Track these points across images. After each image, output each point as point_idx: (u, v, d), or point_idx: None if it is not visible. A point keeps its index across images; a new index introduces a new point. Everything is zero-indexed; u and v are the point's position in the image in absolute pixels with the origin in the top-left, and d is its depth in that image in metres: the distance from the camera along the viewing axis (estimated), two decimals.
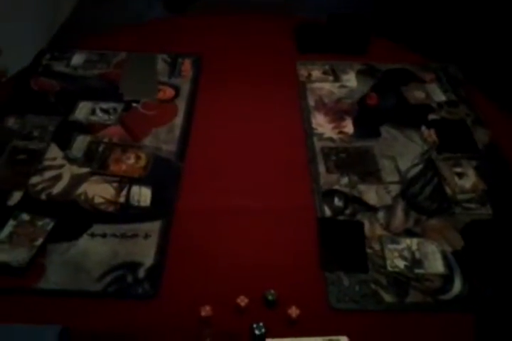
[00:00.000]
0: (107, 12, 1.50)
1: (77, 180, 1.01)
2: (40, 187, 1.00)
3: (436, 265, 0.89)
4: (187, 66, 1.34)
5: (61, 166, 1.04)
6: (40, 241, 0.89)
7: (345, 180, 1.04)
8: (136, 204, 0.98)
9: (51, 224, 0.92)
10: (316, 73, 1.33)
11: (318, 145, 1.12)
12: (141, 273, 0.87)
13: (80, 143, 1.09)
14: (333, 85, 1.29)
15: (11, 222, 0.92)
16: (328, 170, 1.06)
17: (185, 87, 1.27)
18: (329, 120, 1.19)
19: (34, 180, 1.01)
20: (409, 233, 0.94)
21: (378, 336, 0.79)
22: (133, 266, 0.87)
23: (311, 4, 1.65)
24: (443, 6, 1.50)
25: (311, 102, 1.24)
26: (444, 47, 1.40)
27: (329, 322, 0.81)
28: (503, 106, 1.22)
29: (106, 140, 1.10)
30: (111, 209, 0.97)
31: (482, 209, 0.99)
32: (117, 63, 1.33)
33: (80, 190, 1.00)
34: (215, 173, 1.06)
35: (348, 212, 0.98)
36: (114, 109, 1.18)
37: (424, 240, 0.92)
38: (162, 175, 1.04)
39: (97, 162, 1.05)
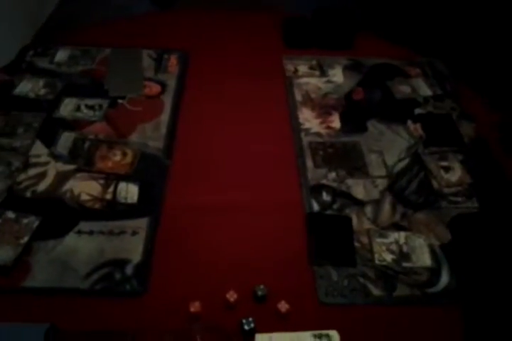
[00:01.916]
0: (92, 7, 1.47)
1: (62, 177, 1.00)
2: (24, 184, 0.98)
3: (423, 258, 0.89)
4: (173, 62, 1.33)
5: (46, 163, 1.03)
6: (25, 239, 0.88)
7: (332, 174, 1.04)
8: (123, 201, 0.97)
9: (37, 222, 0.91)
10: (303, 68, 1.33)
11: (305, 140, 1.12)
12: (129, 270, 0.86)
13: (65, 139, 1.08)
14: (319, 80, 1.29)
15: None
16: (315, 165, 1.06)
17: (172, 83, 1.26)
18: (316, 115, 1.19)
19: (19, 177, 0.99)
20: (396, 227, 0.94)
21: (367, 329, 0.80)
22: (120, 263, 0.87)
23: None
24: (429, 1, 1.51)
25: (298, 97, 1.23)
26: (429, 42, 1.40)
27: (318, 317, 0.81)
28: (488, 101, 1.23)
29: (92, 136, 1.09)
30: (97, 206, 0.96)
31: (468, 202, 1.00)
32: (101, 59, 1.32)
33: (66, 187, 0.98)
34: (202, 169, 1.05)
35: (336, 206, 0.98)
36: (100, 106, 1.17)
37: (412, 234, 0.93)
38: (149, 171, 1.03)
39: (82, 159, 1.04)
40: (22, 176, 0.99)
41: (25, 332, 0.74)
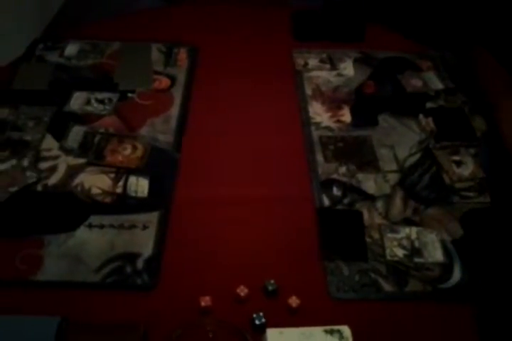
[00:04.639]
0: (101, 1, 1.47)
1: (73, 171, 1.00)
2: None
3: (435, 254, 0.89)
4: (182, 55, 1.32)
5: (57, 157, 1.03)
6: None
7: (343, 169, 1.03)
8: (133, 194, 0.97)
9: None
10: (313, 61, 1.32)
11: (315, 134, 1.11)
12: (140, 264, 0.86)
13: (76, 133, 1.08)
14: (330, 74, 1.28)
15: None
16: (326, 160, 1.05)
17: (181, 77, 1.25)
18: (326, 109, 1.18)
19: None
20: (408, 222, 0.94)
21: (379, 325, 0.79)
22: (131, 257, 0.87)
23: None
24: None
25: (308, 91, 1.23)
26: (441, 35, 1.39)
27: (329, 312, 0.81)
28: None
29: (102, 130, 1.09)
30: (108, 200, 0.96)
31: (480, 197, 0.99)
32: (111, 53, 1.31)
33: (77, 180, 0.99)
34: (212, 163, 1.05)
35: (346, 201, 0.98)
36: (110, 99, 1.17)
37: (424, 229, 0.92)
38: (159, 165, 1.03)
39: (93, 152, 1.04)
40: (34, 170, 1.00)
41: (38, 324, 0.74)
